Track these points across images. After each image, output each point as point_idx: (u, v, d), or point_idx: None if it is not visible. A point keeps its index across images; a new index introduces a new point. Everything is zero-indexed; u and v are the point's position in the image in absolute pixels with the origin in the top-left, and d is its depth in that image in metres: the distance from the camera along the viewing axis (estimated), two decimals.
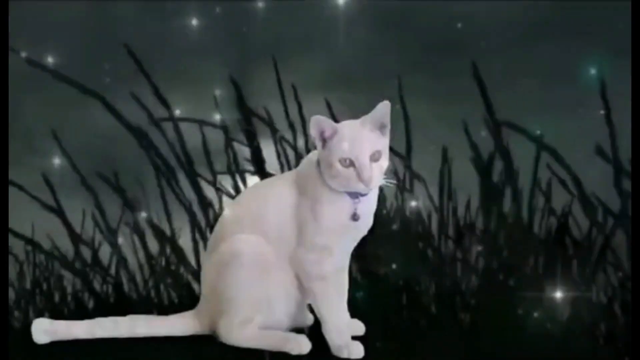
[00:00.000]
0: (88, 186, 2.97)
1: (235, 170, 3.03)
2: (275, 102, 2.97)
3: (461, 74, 2.87)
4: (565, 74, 2.89)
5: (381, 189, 1.76)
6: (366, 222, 1.74)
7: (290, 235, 1.72)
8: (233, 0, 2.98)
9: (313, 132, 1.67)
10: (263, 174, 2.99)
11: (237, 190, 3.00)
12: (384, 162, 1.69)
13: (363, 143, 1.66)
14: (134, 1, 3.03)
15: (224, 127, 3.01)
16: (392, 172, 2.89)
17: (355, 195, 1.70)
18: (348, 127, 1.68)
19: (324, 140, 1.67)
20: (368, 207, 1.73)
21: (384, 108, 1.68)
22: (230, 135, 3.02)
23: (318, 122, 1.67)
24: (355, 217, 1.71)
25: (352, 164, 1.65)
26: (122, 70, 2.95)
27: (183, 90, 3.01)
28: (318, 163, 1.71)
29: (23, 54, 2.90)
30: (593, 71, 2.79)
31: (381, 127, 1.69)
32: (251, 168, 3.02)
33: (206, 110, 3.03)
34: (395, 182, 1.74)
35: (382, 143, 1.68)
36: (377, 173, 1.67)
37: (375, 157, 1.66)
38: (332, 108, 2.88)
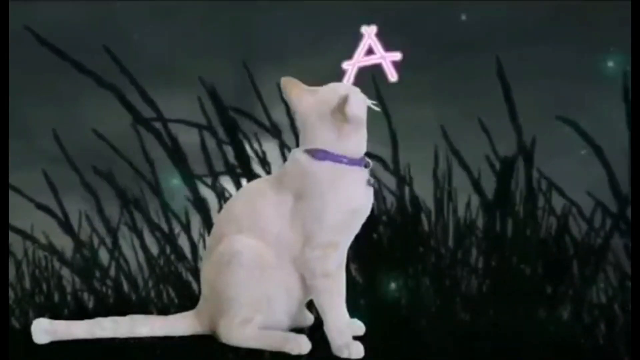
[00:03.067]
0: (88, 186, 2.97)
1: (227, 170, 3.03)
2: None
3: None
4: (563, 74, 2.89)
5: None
6: (367, 209, 1.75)
7: (292, 238, 1.71)
8: None
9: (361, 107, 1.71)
10: (250, 174, 2.99)
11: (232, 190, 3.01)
12: None
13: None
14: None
15: (209, 127, 3.01)
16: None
17: (362, 163, 1.72)
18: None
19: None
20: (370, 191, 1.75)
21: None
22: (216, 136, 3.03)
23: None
24: (370, 182, 1.72)
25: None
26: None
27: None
28: (319, 157, 1.69)
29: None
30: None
31: None
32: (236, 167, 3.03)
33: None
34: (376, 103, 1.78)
35: None
36: None
37: None
38: None
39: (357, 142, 1.73)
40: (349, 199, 1.72)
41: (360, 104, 1.72)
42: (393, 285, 2.83)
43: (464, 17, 2.93)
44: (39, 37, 2.89)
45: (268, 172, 2.95)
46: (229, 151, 3.04)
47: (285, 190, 1.73)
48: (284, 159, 2.93)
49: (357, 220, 1.75)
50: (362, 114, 1.72)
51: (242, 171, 3.01)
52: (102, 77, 2.93)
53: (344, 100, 1.68)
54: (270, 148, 3.05)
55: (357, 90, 1.74)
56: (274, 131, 3.01)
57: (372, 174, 1.74)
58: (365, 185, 1.73)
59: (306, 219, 1.71)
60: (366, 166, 1.73)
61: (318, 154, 1.71)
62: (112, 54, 2.94)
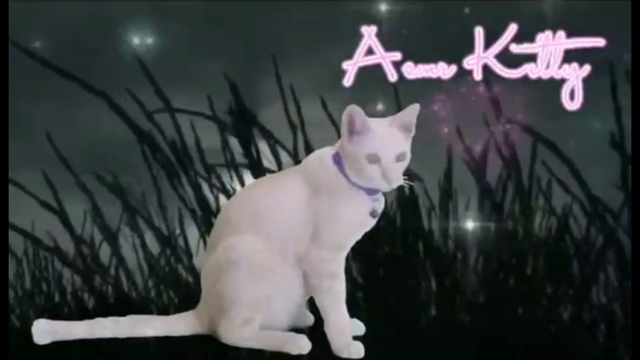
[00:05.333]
0: (84, 187, 2.97)
1: (231, 166, 3.03)
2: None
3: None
4: None
5: None
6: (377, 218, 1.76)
7: (301, 234, 1.70)
8: None
9: (345, 121, 1.67)
10: (259, 171, 2.99)
11: (234, 188, 3.01)
12: (407, 163, 1.70)
13: (391, 142, 1.67)
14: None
15: (219, 121, 3.01)
16: None
17: (372, 192, 1.71)
18: (378, 125, 1.69)
19: (352, 133, 1.68)
20: (381, 204, 1.74)
21: (412, 110, 1.70)
22: (226, 132, 3.03)
23: (352, 113, 1.66)
24: (374, 214, 1.72)
25: (378, 161, 1.66)
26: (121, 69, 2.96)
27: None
28: (334, 160, 1.70)
29: (36, 44, 2.90)
30: None
31: (407, 130, 1.70)
32: (246, 163, 3.03)
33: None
34: (412, 182, 1.73)
35: (407, 145, 1.70)
36: (400, 173, 1.68)
37: (400, 158, 1.68)
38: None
39: None
40: (367, 208, 1.72)
41: None
42: (393, 285, 2.83)
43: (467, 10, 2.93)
44: (25, 50, 2.88)
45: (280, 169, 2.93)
46: (238, 149, 3.04)
47: (303, 183, 1.73)
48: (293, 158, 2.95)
49: (367, 228, 1.75)
50: None
51: (254, 168, 3.01)
52: (90, 84, 2.92)
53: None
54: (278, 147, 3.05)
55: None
56: (292, 130, 3.02)
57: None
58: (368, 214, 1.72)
59: (320, 217, 1.70)
60: None
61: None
62: (132, 49, 2.94)
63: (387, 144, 1.66)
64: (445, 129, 2.95)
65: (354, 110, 1.66)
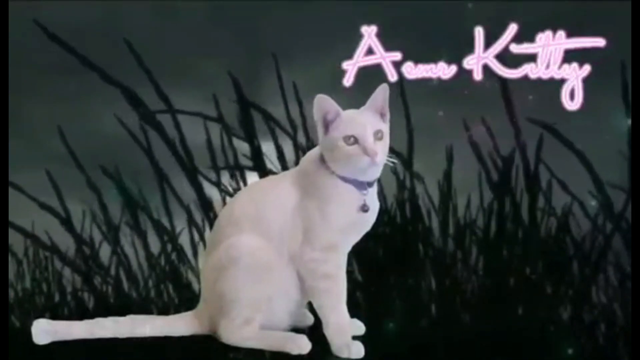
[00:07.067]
0: (92, 186, 2.97)
1: (234, 167, 3.03)
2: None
3: None
4: None
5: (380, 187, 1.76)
6: (372, 216, 1.75)
7: (293, 235, 1.71)
8: None
9: (316, 112, 1.68)
10: (263, 171, 2.99)
11: (235, 189, 3.01)
12: (386, 143, 1.70)
13: (365, 121, 1.68)
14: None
15: (222, 121, 3.01)
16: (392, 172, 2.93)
17: (362, 187, 1.71)
18: (350, 111, 1.71)
19: (327, 125, 1.69)
20: (374, 200, 1.74)
21: (380, 90, 1.70)
22: (229, 132, 3.03)
23: (322, 102, 1.67)
24: (365, 208, 1.71)
25: (356, 141, 1.67)
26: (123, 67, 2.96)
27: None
28: (322, 159, 1.71)
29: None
30: None
31: (381, 115, 1.71)
32: (250, 164, 3.03)
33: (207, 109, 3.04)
34: (396, 160, 1.73)
35: (383, 125, 1.70)
36: (381, 150, 1.68)
37: (378, 136, 1.68)
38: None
39: None
40: (356, 203, 1.71)
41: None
42: (393, 285, 2.83)
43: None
44: (47, 32, 2.87)
45: (285, 169, 2.94)
46: (240, 148, 3.05)
47: (296, 184, 1.73)
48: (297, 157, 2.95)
49: (361, 225, 1.75)
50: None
51: (258, 168, 3.01)
52: (108, 73, 2.92)
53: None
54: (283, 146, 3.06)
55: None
56: (290, 129, 3.02)
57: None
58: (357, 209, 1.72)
59: (311, 218, 1.71)
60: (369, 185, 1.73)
61: None
62: (131, 48, 2.93)
63: (361, 122, 1.67)
64: (446, 129, 2.95)
65: (324, 100, 1.67)
